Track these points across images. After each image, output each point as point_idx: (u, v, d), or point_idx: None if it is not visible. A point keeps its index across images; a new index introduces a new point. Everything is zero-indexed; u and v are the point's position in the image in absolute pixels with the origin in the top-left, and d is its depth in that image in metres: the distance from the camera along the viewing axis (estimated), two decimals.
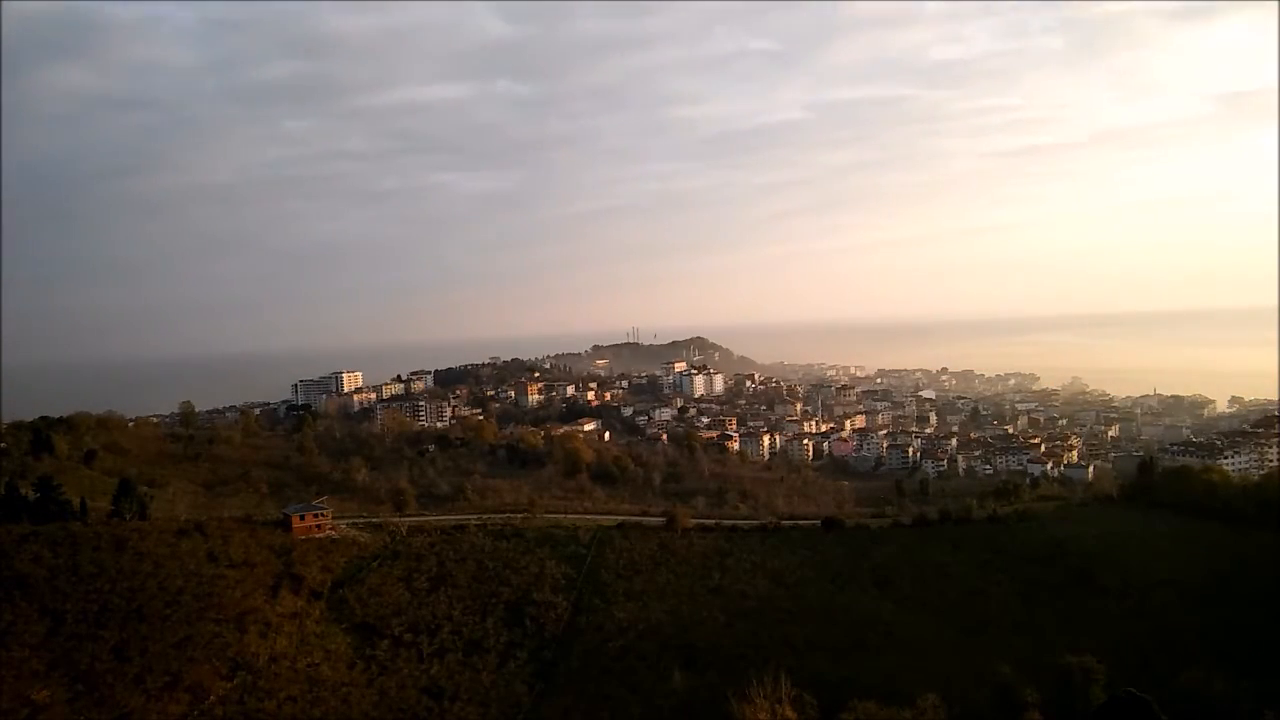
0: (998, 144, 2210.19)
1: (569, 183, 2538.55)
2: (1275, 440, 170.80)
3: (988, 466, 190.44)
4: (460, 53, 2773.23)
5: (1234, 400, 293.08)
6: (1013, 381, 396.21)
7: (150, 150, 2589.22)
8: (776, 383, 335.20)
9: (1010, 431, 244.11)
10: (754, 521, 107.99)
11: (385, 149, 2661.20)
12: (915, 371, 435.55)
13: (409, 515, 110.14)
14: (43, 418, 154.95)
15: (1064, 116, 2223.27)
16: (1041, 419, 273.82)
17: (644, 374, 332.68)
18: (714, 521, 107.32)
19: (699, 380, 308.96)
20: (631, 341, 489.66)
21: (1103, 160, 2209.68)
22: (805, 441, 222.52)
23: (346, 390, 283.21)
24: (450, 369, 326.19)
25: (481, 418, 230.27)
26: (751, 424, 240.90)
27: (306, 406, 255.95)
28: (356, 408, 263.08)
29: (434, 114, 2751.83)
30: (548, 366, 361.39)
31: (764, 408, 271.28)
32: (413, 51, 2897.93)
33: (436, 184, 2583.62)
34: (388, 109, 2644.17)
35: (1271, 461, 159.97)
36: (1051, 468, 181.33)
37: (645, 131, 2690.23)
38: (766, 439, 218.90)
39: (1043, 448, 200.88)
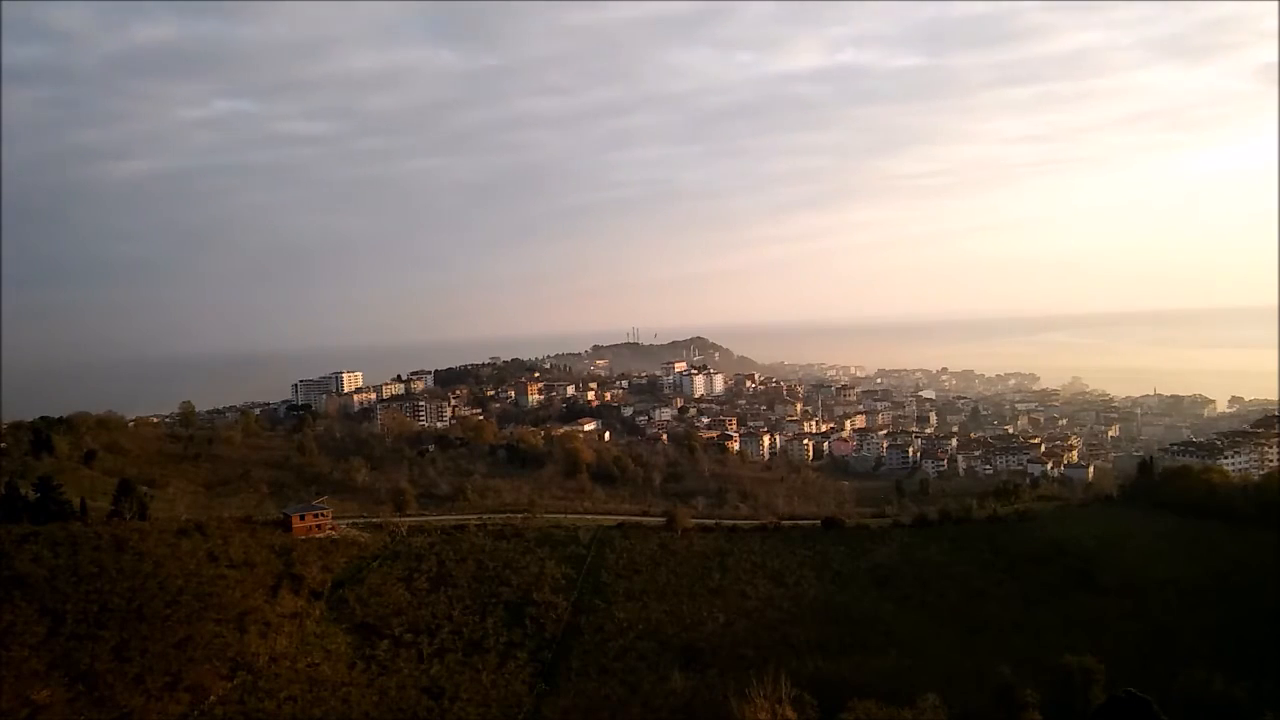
0: (1009, 128, 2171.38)
1: (556, 172, 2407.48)
2: (1275, 440, 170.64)
3: (988, 466, 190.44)
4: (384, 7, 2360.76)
5: (1234, 400, 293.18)
6: (1013, 381, 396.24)
7: (64, 132, 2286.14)
8: (776, 383, 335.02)
9: (1010, 431, 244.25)
10: (754, 521, 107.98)
11: (338, 132, 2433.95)
12: (915, 371, 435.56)
13: (409, 515, 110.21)
14: (43, 418, 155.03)
15: (1078, 96, 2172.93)
16: (1041, 419, 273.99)
17: (644, 374, 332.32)
18: (714, 521, 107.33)
19: (699, 380, 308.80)
20: (631, 341, 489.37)
21: (1105, 155, 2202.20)
22: (805, 441, 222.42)
23: (346, 390, 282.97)
24: (450, 369, 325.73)
25: (481, 418, 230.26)
26: (751, 424, 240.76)
27: (306, 406, 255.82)
28: (356, 408, 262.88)
29: (378, 89, 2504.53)
30: (548, 366, 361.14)
31: (764, 408, 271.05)
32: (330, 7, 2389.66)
33: (410, 173, 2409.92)
34: (323, 81, 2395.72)
35: (1271, 461, 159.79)
36: (1051, 468, 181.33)
37: (634, 109, 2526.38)
38: (766, 439, 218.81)
39: (1043, 448, 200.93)
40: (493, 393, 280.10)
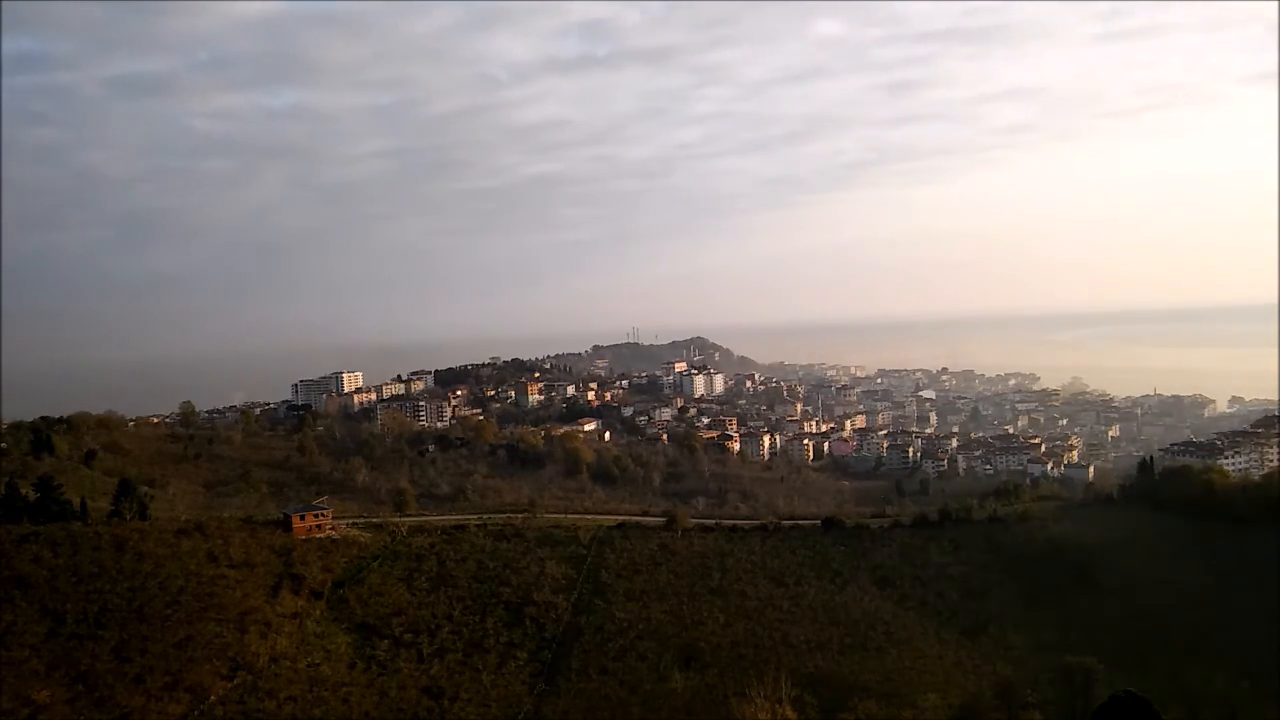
0: (1006, 122, 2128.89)
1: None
2: (1275, 440, 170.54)
3: (988, 467, 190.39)
4: None
5: (1234, 400, 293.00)
6: (1013, 381, 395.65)
7: None
8: (776, 383, 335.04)
9: (1010, 431, 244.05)
10: (754, 521, 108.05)
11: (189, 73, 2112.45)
12: (915, 371, 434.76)
13: (409, 515, 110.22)
14: (43, 418, 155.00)
15: (1076, 94, 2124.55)
16: (1041, 419, 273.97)
17: (644, 374, 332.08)
18: (714, 521, 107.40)
19: (699, 380, 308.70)
20: (631, 341, 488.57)
21: (1104, 153, 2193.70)
22: (805, 441, 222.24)
23: (346, 390, 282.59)
24: (450, 369, 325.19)
25: (481, 418, 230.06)
26: (751, 424, 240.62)
27: (307, 406, 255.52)
28: (356, 408, 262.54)
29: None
30: (548, 366, 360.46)
31: (764, 408, 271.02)
32: None
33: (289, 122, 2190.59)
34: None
35: (1271, 461, 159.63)
36: (1052, 468, 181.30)
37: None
38: (767, 439, 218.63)
39: (1043, 448, 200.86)
40: (493, 393, 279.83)
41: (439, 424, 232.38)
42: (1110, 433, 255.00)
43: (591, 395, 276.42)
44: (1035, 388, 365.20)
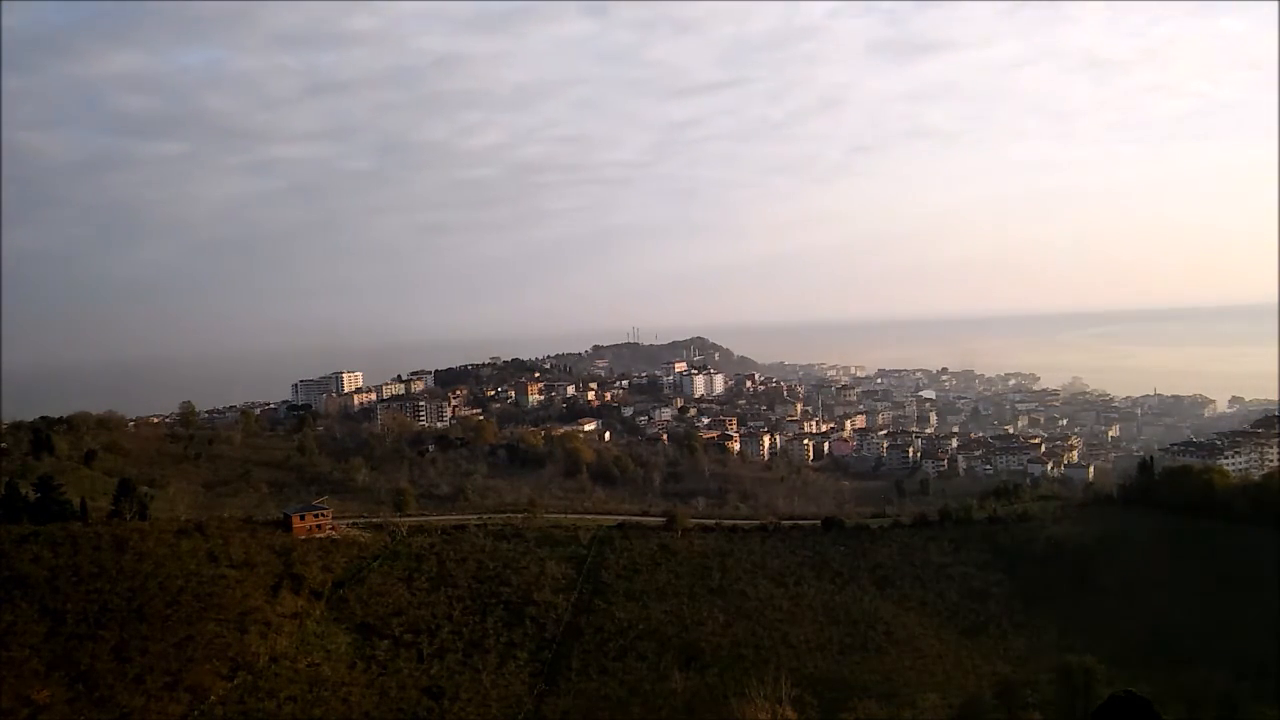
0: (1007, 120, 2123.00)
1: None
2: (1275, 440, 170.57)
3: (988, 466, 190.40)
4: None
5: (1234, 400, 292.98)
6: (1013, 381, 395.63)
7: None
8: (776, 383, 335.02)
9: (1010, 431, 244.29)
10: (754, 521, 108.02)
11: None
12: (915, 371, 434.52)
13: (409, 515, 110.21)
14: (43, 418, 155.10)
15: (1076, 92, 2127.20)
16: (1041, 419, 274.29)
17: (644, 374, 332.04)
18: (714, 521, 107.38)
19: (699, 380, 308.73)
20: (632, 341, 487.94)
21: (1106, 152, 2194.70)
22: (805, 441, 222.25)
23: (346, 390, 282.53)
24: (450, 369, 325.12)
25: (481, 418, 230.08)
26: (752, 424, 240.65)
27: (307, 406, 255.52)
28: (356, 408, 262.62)
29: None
30: (548, 366, 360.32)
31: (764, 408, 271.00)
32: None
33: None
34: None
35: (1271, 461, 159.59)
36: (1052, 468, 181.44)
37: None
38: (767, 439, 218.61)
39: (1043, 448, 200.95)
40: (493, 393, 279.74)
41: (439, 424, 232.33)
42: (1110, 433, 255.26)
43: (591, 395, 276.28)
44: (1035, 388, 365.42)
